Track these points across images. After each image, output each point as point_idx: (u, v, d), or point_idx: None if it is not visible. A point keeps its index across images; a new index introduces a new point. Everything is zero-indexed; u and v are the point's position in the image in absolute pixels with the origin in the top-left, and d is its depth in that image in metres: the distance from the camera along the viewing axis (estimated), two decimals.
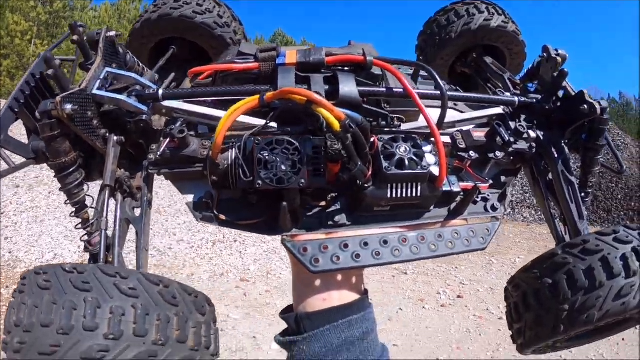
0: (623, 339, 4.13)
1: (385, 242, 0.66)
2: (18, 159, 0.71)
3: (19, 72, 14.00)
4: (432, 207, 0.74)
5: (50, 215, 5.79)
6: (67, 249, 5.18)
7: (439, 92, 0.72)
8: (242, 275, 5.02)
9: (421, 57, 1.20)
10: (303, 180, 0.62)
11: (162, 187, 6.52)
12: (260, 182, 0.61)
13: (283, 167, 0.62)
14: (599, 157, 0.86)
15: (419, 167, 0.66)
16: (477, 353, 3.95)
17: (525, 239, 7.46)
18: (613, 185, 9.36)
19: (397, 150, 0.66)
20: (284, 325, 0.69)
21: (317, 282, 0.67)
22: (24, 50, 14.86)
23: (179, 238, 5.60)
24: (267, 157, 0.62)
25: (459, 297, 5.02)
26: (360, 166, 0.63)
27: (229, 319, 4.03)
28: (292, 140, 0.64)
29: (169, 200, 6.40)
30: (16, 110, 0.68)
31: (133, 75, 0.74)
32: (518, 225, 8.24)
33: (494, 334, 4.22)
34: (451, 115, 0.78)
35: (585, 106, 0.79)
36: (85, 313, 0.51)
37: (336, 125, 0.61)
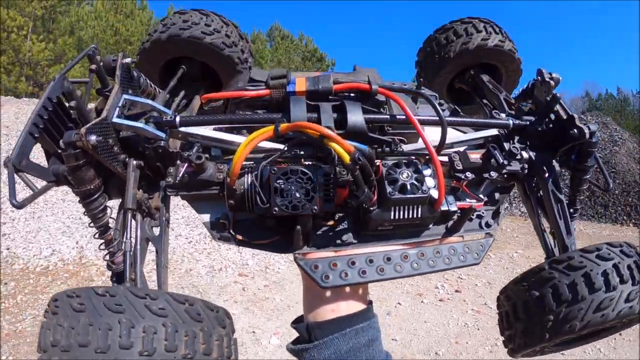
0: (620, 334, 4.15)
1: (389, 258, 0.72)
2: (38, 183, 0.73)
3: (15, 68, 13.93)
4: (430, 226, 0.81)
5: (47, 212, 5.78)
6: (64, 244, 5.18)
7: (438, 119, 0.78)
8: (241, 270, 5.03)
9: (421, 73, 1.25)
10: (316, 207, 0.68)
11: None
12: (276, 208, 0.67)
13: (297, 195, 0.67)
14: (587, 176, 0.91)
15: (420, 191, 0.71)
16: (476, 347, 3.97)
17: (523, 233, 7.49)
18: (610, 180, 9.40)
19: (400, 176, 0.72)
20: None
21: (327, 295, 0.72)
22: (20, 46, 14.75)
23: (177, 233, 5.60)
24: (282, 186, 0.68)
25: (457, 291, 5.04)
26: (367, 193, 0.69)
27: None
28: (306, 170, 0.69)
29: None
30: (36, 135, 0.70)
31: (150, 102, 0.78)
32: (515, 220, 8.27)
33: (492, 328, 4.24)
34: (449, 137, 0.83)
35: (575, 130, 0.84)
36: (121, 333, 0.55)
37: (346, 158, 0.66)
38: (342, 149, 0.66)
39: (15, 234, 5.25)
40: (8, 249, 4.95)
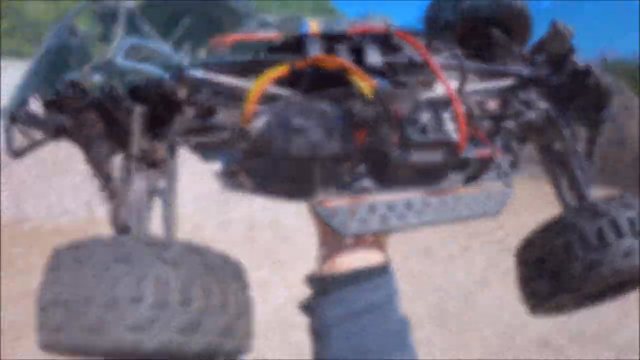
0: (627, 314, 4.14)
1: (410, 205, 0.69)
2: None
3: (16, 32, 13.81)
4: (450, 173, 0.78)
5: (56, 171, 5.82)
6: (74, 203, 5.23)
7: (456, 62, 0.74)
8: (250, 223, 5.06)
9: (430, 30, 1.21)
10: (335, 147, 0.63)
11: None
12: (294, 148, 0.62)
13: (316, 133, 0.63)
14: (603, 128, 0.91)
15: (441, 133, 0.69)
16: (484, 305, 4.00)
17: (535, 196, 7.44)
18: (622, 149, 9.29)
19: (420, 118, 0.69)
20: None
21: (344, 244, 0.68)
22: (22, 7, 14.59)
23: (185, 187, 5.60)
24: (300, 124, 0.63)
25: (466, 249, 5.05)
26: (387, 131, 0.66)
27: None
28: (324, 108, 0.65)
29: None
30: (35, 85, 0.68)
31: (156, 44, 0.75)
32: (524, 182, 8.22)
33: (500, 286, 4.27)
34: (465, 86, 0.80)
35: (592, 80, 0.84)
36: (130, 284, 0.50)
37: (367, 89, 0.62)
38: (363, 82, 0.62)
39: (25, 194, 5.30)
40: (18, 207, 5.01)
